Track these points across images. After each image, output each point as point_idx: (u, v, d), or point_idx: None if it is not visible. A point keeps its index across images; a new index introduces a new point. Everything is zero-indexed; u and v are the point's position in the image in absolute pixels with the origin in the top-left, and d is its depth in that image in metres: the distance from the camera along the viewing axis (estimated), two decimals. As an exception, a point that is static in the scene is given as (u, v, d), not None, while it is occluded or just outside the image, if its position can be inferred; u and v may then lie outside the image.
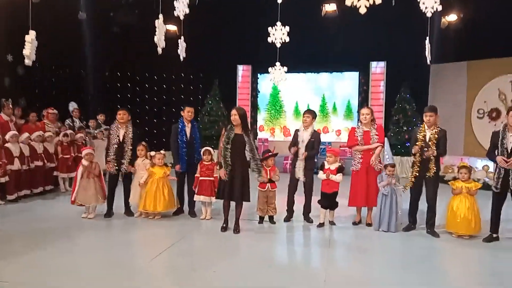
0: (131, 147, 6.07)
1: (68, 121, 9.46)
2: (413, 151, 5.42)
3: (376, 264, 4.48)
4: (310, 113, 6.11)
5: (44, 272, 4.00)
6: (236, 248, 4.97)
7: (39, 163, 7.58)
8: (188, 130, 6.17)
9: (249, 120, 12.74)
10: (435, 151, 5.31)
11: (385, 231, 5.49)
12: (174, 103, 13.38)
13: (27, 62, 4.77)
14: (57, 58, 11.89)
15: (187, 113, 6.21)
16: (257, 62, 12.58)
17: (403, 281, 3.92)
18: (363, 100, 12.22)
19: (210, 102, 12.49)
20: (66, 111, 10.09)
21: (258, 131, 13.06)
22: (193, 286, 3.73)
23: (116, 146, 6.01)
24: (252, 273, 4.12)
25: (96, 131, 9.22)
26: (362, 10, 4.47)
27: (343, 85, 12.59)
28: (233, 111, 5.36)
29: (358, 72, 12.42)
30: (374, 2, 4.42)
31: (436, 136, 5.37)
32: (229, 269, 4.20)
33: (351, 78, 12.52)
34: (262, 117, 13.11)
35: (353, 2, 4.47)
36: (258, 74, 13.09)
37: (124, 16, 11.84)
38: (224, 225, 5.48)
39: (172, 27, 9.93)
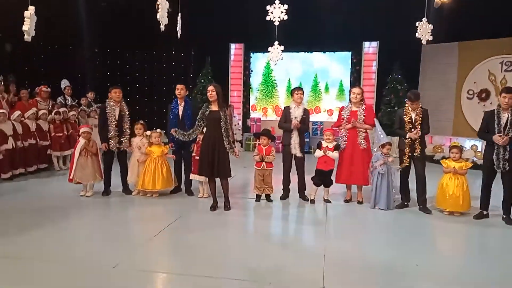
0: (128, 125, 6.10)
1: (60, 99, 9.36)
2: (408, 136, 5.57)
3: (371, 240, 4.64)
4: (302, 89, 6.22)
5: (44, 248, 4.07)
6: (234, 225, 5.08)
7: (32, 141, 7.54)
8: (180, 108, 6.17)
9: (240, 99, 12.82)
10: (419, 131, 5.55)
11: (383, 209, 5.64)
12: (165, 81, 13.26)
13: (27, 37, 4.71)
14: (46, 34, 11.64)
15: (177, 90, 6.20)
16: (250, 40, 12.51)
17: (396, 255, 4.07)
18: (355, 80, 12.26)
19: (202, 80, 12.39)
20: (57, 88, 9.96)
21: (250, 110, 13.05)
22: (194, 262, 3.83)
23: (114, 124, 6.00)
24: (252, 249, 4.24)
25: (90, 109, 9.14)
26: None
27: (335, 64, 12.60)
28: (211, 87, 5.38)
29: (350, 52, 12.42)
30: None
31: (421, 116, 5.60)
32: (229, 246, 4.31)
33: (343, 58, 12.53)
34: (254, 97, 13.09)
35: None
36: (251, 53, 12.99)
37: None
38: (214, 204, 5.54)
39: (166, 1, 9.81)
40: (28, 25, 4.66)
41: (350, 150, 5.94)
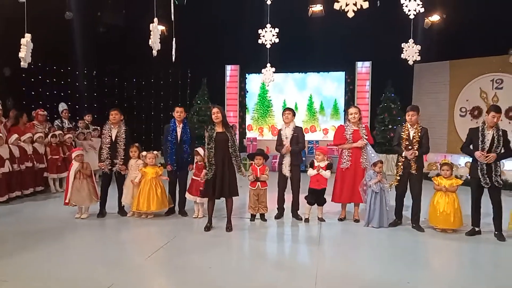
0: (123, 147, 6.15)
1: (57, 122, 9.47)
2: (404, 154, 5.61)
3: (364, 258, 4.66)
4: (290, 110, 6.35)
5: (39, 272, 4.08)
6: (229, 245, 5.10)
7: (29, 164, 7.60)
8: (179, 130, 6.21)
9: (237, 119, 12.95)
10: (417, 152, 5.56)
11: (375, 228, 5.68)
12: (162, 103, 13.42)
13: (23, 64, 4.83)
14: (44, 58, 11.83)
15: (176, 113, 6.23)
16: (245, 62, 12.73)
17: (390, 274, 4.10)
18: (350, 99, 12.46)
19: (198, 102, 12.57)
20: (53, 112, 10.09)
21: (246, 130, 13.18)
22: (189, 283, 3.85)
23: (108, 146, 6.09)
24: (246, 269, 4.27)
25: (86, 132, 9.23)
26: (350, 14, 4.65)
27: (329, 84, 12.80)
28: (215, 109, 5.49)
29: (344, 72, 12.64)
30: (361, 6, 4.59)
31: (419, 134, 5.61)
32: (223, 266, 4.33)
33: (337, 78, 12.74)
34: (250, 117, 13.23)
35: (341, 7, 4.63)
36: (246, 74, 13.22)
37: (111, 17, 11.86)
38: (208, 225, 5.57)
39: (161, 27, 10.01)
40: (25, 52, 4.79)
41: (353, 169, 5.97)
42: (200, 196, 5.84)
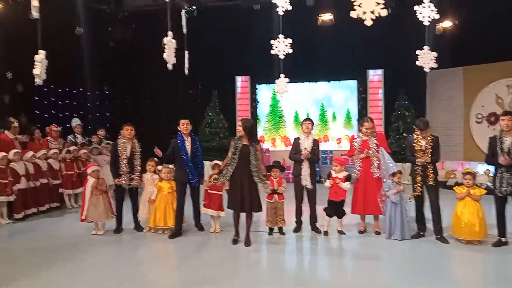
0: (139, 162, 6.13)
1: (70, 137, 9.47)
2: (417, 162, 5.53)
3: (388, 272, 4.53)
4: (311, 120, 6.25)
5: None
6: (248, 260, 5.01)
7: (44, 181, 7.60)
8: (188, 144, 5.97)
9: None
10: (429, 158, 5.49)
11: (398, 240, 5.53)
12: (174, 116, 13.39)
13: (38, 81, 4.83)
14: (56, 74, 11.94)
15: (182, 126, 6.01)
16: (256, 72, 12.71)
17: (417, 289, 3.97)
18: (362, 108, 12.34)
19: (210, 113, 12.55)
20: (67, 127, 10.12)
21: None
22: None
23: (126, 161, 6.05)
24: (267, 285, 4.16)
25: (101, 146, 9.22)
26: (368, 23, 4.57)
27: (341, 93, 12.70)
28: (239, 123, 5.52)
29: (356, 81, 12.54)
30: (379, 14, 4.51)
31: (431, 144, 5.55)
32: (243, 281, 4.23)
33: (349, 87, 12.64)
34: (262, 128, 13.17)
35: (358, 15, 4.55)
36: (257, 85, 13.17)
37: (122, 32, 11.94)
38: (236, 237, 5.51)
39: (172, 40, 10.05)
40: (39, 69, 4.79)
41: (364, 180, 5.89)
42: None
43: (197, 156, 6.12)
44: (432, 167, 5.52)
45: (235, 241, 5.47)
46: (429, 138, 5.59)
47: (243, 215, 5.49)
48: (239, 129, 5.41)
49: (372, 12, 4.52)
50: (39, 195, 7.52)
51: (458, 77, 11.40)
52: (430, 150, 5.52)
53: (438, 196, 5.57)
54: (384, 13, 4.54)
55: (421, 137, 5.60)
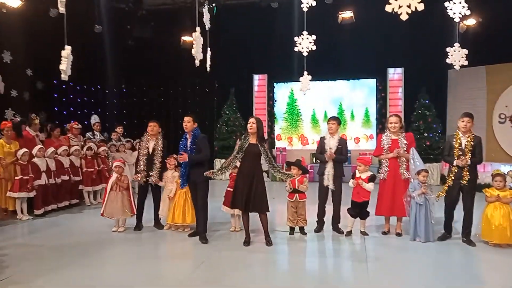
0: (160, 159, 6.07)
1: (88, 134, 9.51)
2: (455, 163, 5.32)
3: (413, 275, 4.40)
4: (335, 119, 6.09)
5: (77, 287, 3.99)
6: (269, 261, 4.91)
7: (65, 178, 7.63)
8: (188, 142, 5.62)
9: (265, 130, 12.81)
10: (469, 160, 5.25)
11: (422, 242, 5.39)
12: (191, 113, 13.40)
13: (63, 76, 4.82)
14: (75, 72, 12.03)
15: (183, 123, 5.67)
16: (273, 71, 12.63)
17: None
18: (381, 107, 12.16)
19: (227, 112, 12.50)
20: (84, 124, 10.18)
21: (275, 140, 13.02)
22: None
23: (145, 158, 6.02)
24: (288, 287, 4.07)
25: (119, 143, 9.25)
26: (404, 17, 4.41)
27: (360, 92, 12.53)
28: (252, 119, 5.32)
29: (375, 79, 12.35)
30: (416, 8, 4.35)
31: (472, 143, 5.31)
32: (265, 283, 4.16)
33: (368, 85, 12.47)
34: (279, 126, 13.08)
35: (393, 9, 4.40)
36: (274, 83, 13.08)
37: (141, 30, 11.99)
38: (247, 239, 5.38)
39: (189, 38, 10.00)
40: (66, 64, 4.78)
41: (392, 181, 5.72)
42: (229, 207, 5.66)
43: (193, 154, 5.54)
44: (470, 168, 5.27)
45: (246, 243, 5.33)
46: (470, 137, 5.33)
47: (253, 216, 5.39)
48: (252, 125, 5.23)
49: (409, 6, 4.35)
50: (59, 191, 7.56)
51: (480, 77, 11.13)
52: (470, 150, 5.27)
53: (473, 199, 5.35)
54: (421, 7, 4.37)
55: (461, 134, 5.38)
